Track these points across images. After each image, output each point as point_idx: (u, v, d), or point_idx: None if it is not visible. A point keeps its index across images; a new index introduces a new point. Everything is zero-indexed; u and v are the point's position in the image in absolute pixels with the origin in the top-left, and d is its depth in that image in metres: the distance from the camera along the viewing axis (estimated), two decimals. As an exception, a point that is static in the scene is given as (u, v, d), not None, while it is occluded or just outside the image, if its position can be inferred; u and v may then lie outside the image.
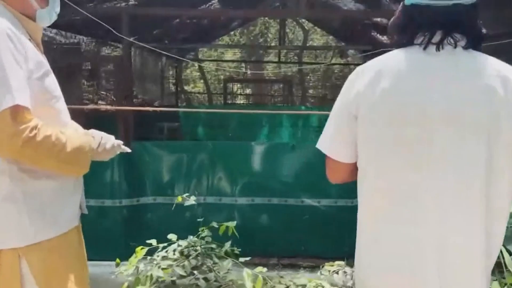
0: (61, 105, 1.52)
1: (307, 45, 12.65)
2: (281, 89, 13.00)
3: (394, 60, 1.20)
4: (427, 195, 1.14)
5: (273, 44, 13.64)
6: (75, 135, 1.49)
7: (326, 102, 13.40)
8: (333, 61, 14.45)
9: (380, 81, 1.17)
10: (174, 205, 2.59)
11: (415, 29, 1.20)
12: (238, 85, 13.44)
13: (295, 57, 13.14)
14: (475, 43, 1.17)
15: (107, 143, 1.60)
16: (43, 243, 1.38)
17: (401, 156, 1.15)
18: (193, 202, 2.38)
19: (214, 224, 2.43)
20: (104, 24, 3.86)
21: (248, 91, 14.13)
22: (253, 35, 13.79)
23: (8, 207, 1.35)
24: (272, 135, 10.24)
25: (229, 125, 9.66)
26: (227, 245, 2.50)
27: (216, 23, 8.38)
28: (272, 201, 3.92)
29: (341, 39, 11.13)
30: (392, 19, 1.30)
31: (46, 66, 1.45)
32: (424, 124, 1.13)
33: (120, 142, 1.68)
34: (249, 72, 11.85)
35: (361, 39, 8.83)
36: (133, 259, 2.42)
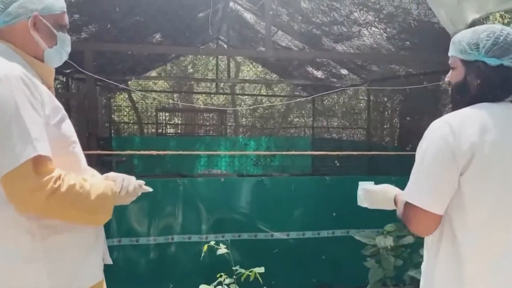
0: (78, 150, 1.44)
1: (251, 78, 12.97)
2: (214, 119, 13.12)
3: (491, 115, 1.31)
4: None
5: (207, 74, 13.78)
6: (97, 181, 1.43)
7: (257, 131, 13.79)
8: (262, 92, 14.91)
9: (486, 134, 1.27)
10: (202, 255, 2.44)
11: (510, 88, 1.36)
12: (168, 114, 13.32)
13: (227, 88, 13.39)
14: None
15: (129, 186, 1.49)
16: None
17: None
18: (226, 251, 2.32)
19: (242, 270, 2.35)
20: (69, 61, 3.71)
21: (179, 120, 14.04)
22: (184, 65, 13.84)
23: (28, 267, 1.26)
24: (210, 164, 10.27)
25: (165, 155, 9.50)
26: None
27: (155, 56, 8.33)
28: (242, 237, 3.95)
29: (273, 71, 11.60)
30: (470, 80, 1.37)
31: (62, 110, 1.38)
32: None
33: (142, 182, 1.57)
34: (179, 103, 11.82)
35: (295, 73, 9.31)
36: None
